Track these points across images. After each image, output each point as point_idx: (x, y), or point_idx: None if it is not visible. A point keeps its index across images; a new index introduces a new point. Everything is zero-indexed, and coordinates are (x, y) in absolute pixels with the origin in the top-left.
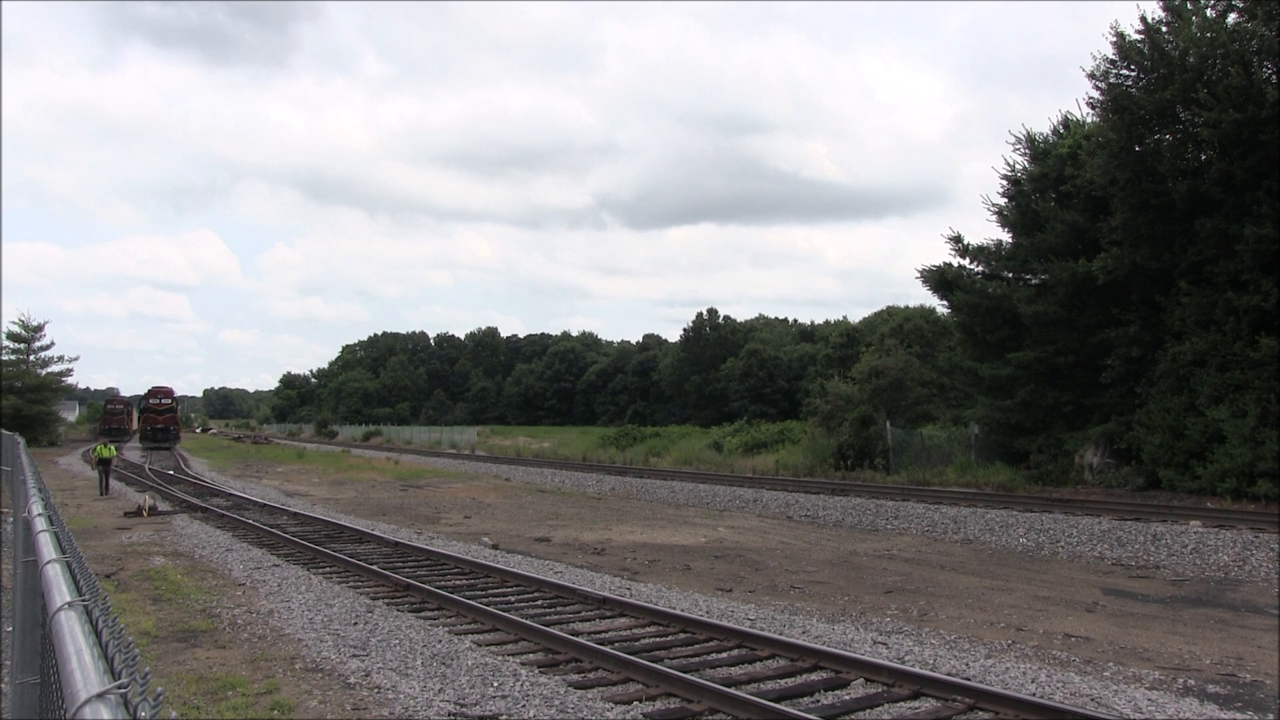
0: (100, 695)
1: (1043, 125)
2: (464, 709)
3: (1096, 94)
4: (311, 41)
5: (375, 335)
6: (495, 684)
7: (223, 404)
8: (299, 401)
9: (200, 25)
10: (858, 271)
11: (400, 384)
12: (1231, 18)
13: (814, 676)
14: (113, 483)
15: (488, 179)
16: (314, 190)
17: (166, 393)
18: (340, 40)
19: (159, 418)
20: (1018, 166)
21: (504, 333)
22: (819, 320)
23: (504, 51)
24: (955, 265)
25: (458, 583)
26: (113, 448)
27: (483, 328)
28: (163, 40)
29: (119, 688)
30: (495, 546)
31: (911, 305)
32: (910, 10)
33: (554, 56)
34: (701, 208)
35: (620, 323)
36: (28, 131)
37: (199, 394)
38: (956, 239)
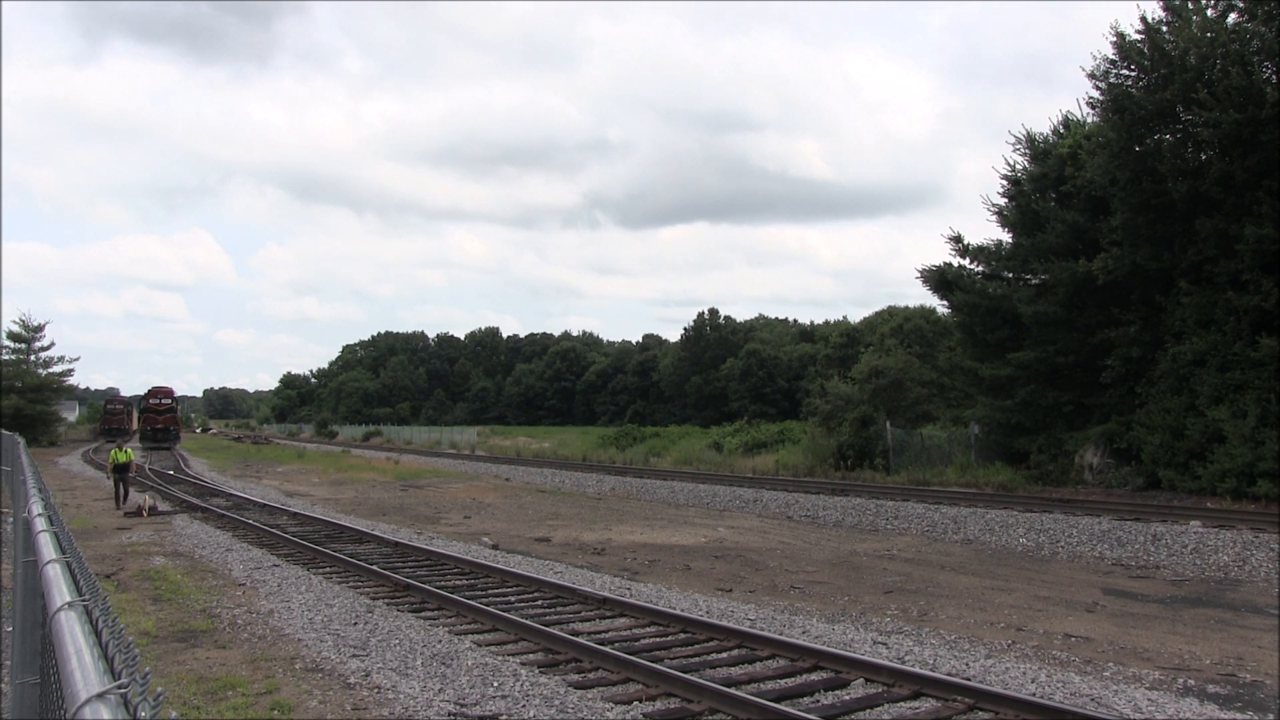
0: (100, 695)
1: (1039, 124)
2: (464, 709)
3: (1096, 94)
4: (294, 38)
5: (376, 335)
6: (495, 684)
7: (222, 404)
8: (299, 401)
9: (183, 20)
10: (853, 271)
11: (400, 384)
12: (1231, 18)
13: (814, 676)
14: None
15: (477, 177)
16: (302, 189)
17: (167, 393)
18: (321, 37)
19: (159, 418)
20: (1018, 166)
21: (499, 332)
22: (816, 320)
23: (486, 48)
24: (955, 265)
25: (458, 583)
26: (129, 450)
27: (482, 327)
28: (145, 35)
29: (119, 688)
30: (495, 546)
31: (909, 305)
32: (893, 9)
33: (538, 53)
34: (694, 206)
35: (616, 322)
36: (10, 128)
37: (198, 394)
38: (956, 239)
